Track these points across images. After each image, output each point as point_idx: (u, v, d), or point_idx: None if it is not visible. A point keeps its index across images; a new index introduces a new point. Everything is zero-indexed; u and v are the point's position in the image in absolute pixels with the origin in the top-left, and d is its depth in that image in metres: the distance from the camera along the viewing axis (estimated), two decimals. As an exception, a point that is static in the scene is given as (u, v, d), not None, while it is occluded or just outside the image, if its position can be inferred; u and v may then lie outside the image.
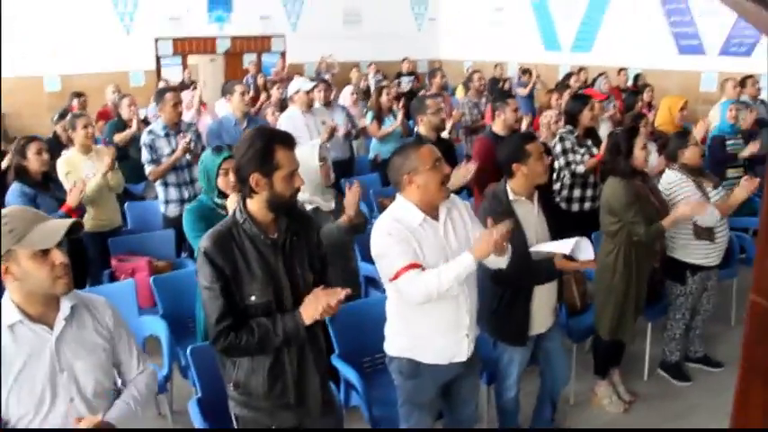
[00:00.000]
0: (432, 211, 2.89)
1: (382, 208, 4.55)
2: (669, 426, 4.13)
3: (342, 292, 2.41)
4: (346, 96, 8.33)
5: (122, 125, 6.88)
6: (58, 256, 2.05)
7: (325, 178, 3.88)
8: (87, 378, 2.17)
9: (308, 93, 6.28)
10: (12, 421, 2.05)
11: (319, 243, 2.75)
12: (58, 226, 2.08)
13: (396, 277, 2.74)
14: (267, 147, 2.45)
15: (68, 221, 2.11)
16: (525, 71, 11.36)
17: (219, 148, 3.64)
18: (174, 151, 5.27)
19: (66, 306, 2.16)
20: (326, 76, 10.51)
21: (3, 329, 2.05)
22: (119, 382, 2.39)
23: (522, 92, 10.48)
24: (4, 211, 2.08)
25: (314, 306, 2.42)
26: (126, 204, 5.76)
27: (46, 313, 2.13)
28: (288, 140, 2.53)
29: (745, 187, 4.14)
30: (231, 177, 3.21)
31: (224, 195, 3.54)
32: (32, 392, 2.07)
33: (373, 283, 4.66)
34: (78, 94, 8.26)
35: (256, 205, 2.51)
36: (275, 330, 2.44)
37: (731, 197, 4.20)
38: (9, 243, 1.99)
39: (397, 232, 2.79)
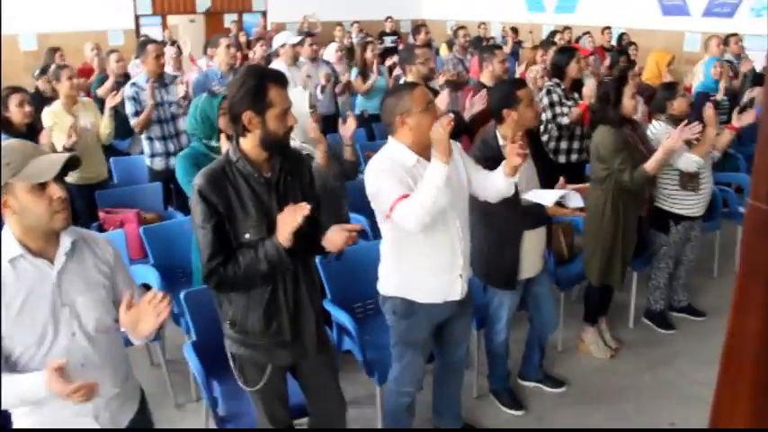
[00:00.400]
0: (424, 152, 2.87)
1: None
2: (654, 370, 4.22)
3: (306, 209, 2.35)
4: (331, 53, 8.25)
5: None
6: (56, 191, 2.02)
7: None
8: (89, 313, 2.16)
9: (293, 46, 6.22)
10: (15, 354, 2.05)
11: (312, 183, 2.75)
12: (54, 160, 2.05)
13: (391, 211, 2.73)
14: (260, 85, 2.43)
15: (65, 155, 2.08)
16: (513, 29, 11.42)
17: (213, 93, 3.62)
18: (159, 104, 5.24)
19: (66, 241, 2.14)
20: (311, 35, 10.41)
21: (3, 263, 2.04)
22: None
23: (506, 49, 10.46)
24: (2, 143, 2.05)
25: (282, 226, 2.38)
26: (111, 159, 5.71)
27: (46, 248, 2.11)
28: (280, 79, 2.51)
29: (710, 117, 4.22)
30: None
31: (227, 137, 3.53)
32: (35, 327, 2.06)
33: (361, 232, 4.66)
34: (54, 50, 8.11)
35: (250, 144, 2.49)
36: (258, 257, 2.42)
37: (705, 135, 4.17)
38: (6, 176, 1.96)
39: (389, 169, 2.80)
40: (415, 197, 2.67)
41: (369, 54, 7.14)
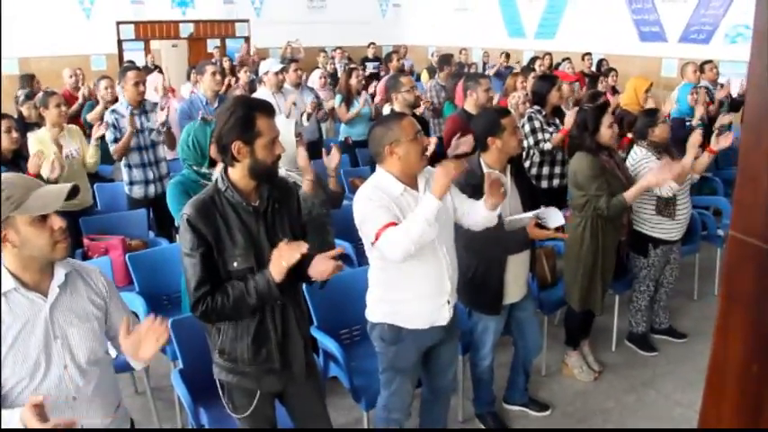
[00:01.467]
0: (411, 182, 2.93)
1: (354, 188, 4.61)
2: (637, 392, 4.27)
3: (304, 247, 2.39)
4: (315, 79, 8.33)
5: (100, 106, 6.84)
6: (57, 221, 2.05)
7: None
8: (80, 345, 2.17)
9: (277, 74, 6.28)
10: (7, 386, 2.06)
11: (299, 212, 2.79)
12: (57, 191, 2.07)
13: (376, 239, 2.77)
14: (248, 115, 2.47)
15: (67, 186, 2.11)
16: (506, 54, 11.67)
17: (205, 120, 3.65)
18: (139, 130, 5.26)
19: (60, 273, 2.15)
20: (293, 62, 10.48)
21: None
22: (111, 351, 2.39)
23: (491, 71, 10.62)
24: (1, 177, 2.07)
25: (277, 261, 2.41)
26: (95, 186, 5.71)
27: (40, 281, 2.13)
28: (268, 108, 2.55)
29: (692, 145, 4.27)
30: None
31: (215, 164, 3.54)
32: (27, 359, 2.07)
33: (347, 259, 4.70)
34: (30, 76, 8.17)
35: (238, 173, 2.53)
36: (248, 290, 2.44)
37: (682, 161, 4.20)
38: (7, 210, 1.98)
39: (377, 198, 2.84)
40: (403, 227, 2.71)
41: (353, 81, 7.20)
